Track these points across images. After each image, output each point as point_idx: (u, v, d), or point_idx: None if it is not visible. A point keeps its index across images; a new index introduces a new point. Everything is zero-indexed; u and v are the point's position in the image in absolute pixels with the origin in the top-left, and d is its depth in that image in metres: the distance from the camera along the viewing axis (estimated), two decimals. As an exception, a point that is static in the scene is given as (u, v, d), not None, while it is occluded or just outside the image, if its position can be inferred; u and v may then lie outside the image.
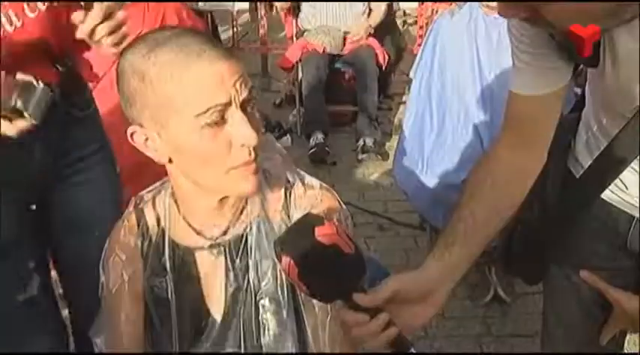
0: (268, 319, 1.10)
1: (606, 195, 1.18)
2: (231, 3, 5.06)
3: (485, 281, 2.70)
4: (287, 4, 4.50)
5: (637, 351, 2.25)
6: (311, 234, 0.91)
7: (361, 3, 4.42)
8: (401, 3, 5.23)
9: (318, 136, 4.12)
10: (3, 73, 1.19)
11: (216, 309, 1.14)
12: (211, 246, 1.12)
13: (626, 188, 1.15)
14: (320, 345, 1.10)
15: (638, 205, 1.15)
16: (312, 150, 4.04)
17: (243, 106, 0.99)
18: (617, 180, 1.15)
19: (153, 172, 1.17)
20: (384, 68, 4.38)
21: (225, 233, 1.11)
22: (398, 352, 0.99)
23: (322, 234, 0.92)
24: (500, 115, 1.20)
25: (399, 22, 5.90)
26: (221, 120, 0.98)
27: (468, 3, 2.73)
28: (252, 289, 1.10)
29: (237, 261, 1.11)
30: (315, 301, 1.08)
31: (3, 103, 1.18)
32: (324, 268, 0.93)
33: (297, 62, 4.35)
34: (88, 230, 1.48)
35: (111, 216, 1.30)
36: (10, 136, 1.23)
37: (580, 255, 1.26)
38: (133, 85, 0.99)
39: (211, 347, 1.14)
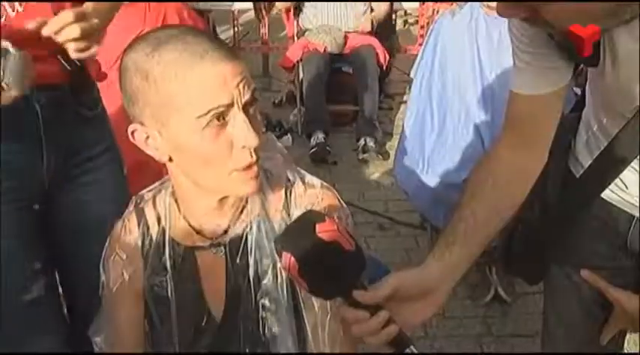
0: (268, 318, 1.10)
1: (606, 194, 1.18)
2: (231, 3, 5.05)
3: (485, 281, 2.70)
4: (287, 4, 4.50)
5: (637, 351, 2.25)
6: (312, 231, 0.91)
7: (362, 3, 4.42)
8: (402, 3, 5.22)
9: (319, 136, 4.12)
10: None
11: (216, 308, 1.14)
12: (211, 245, 1.12)
13: (627, 187, 1.15)
14: (320, 344, 1.10)
15: (638, 205, 1.15)
16: (313, 150, 4.04)
17: (245, 108, 0.98)
18: (617, 180, 1.15)
19: (153, 171, 1.17)
20: (384, 68, 4.38)
21: (225, 232, 1.11)
22: (398, 350, 0.99)
23: (323, 230, 0.91)
24: (501, 115, 1.20)
25: (400, 21, 5.90)
26: (223, 122, 0.97)
27: (469, 3, 2.73)
28: (252, 288, 1.10)
29: (238, 260, 1.11)
30: (315, 300, 1.08)
31: None
32: (324, 265, 0.92)
33: (298, 62, 4.34)
34: (96, 230, 1.48)
35: (118, 216, 1.30)
36: None
37: (580, 254, 1.26)
38: (135, 83, 0.99)
39: (211, 347, 1.15)
